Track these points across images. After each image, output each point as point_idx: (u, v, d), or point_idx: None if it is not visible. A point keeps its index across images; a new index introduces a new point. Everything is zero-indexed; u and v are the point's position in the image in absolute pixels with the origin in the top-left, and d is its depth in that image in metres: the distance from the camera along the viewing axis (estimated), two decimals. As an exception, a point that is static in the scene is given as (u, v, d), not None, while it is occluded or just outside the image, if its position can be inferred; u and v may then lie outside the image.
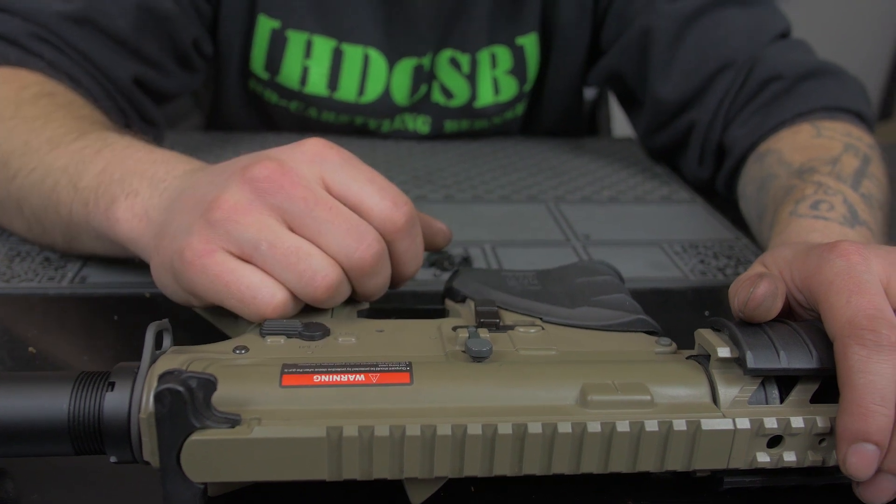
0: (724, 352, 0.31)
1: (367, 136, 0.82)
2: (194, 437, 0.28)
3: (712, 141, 0.68)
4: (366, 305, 0.39)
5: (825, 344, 0.31)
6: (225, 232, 0.35)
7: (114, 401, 0.30)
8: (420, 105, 0.81)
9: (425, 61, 0.78)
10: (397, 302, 0.44)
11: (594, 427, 0.29)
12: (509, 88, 0.81)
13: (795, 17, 0.78)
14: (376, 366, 0.31)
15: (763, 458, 0.31)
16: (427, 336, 0.35)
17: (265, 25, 0.74)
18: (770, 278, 0.33)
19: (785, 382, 0.32)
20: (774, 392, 0.31)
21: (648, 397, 0.30)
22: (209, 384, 0.28)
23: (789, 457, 0.31)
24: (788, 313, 0.35)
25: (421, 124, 0.82)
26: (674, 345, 0.35)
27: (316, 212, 0.35)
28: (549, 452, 0.30)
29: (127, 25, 0.62)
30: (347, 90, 0.77)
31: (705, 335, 0.33)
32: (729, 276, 0.55)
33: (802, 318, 0.35)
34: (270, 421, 0.28)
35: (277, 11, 0.74)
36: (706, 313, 0.50)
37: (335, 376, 0.30)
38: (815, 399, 0.31)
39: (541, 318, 0.37)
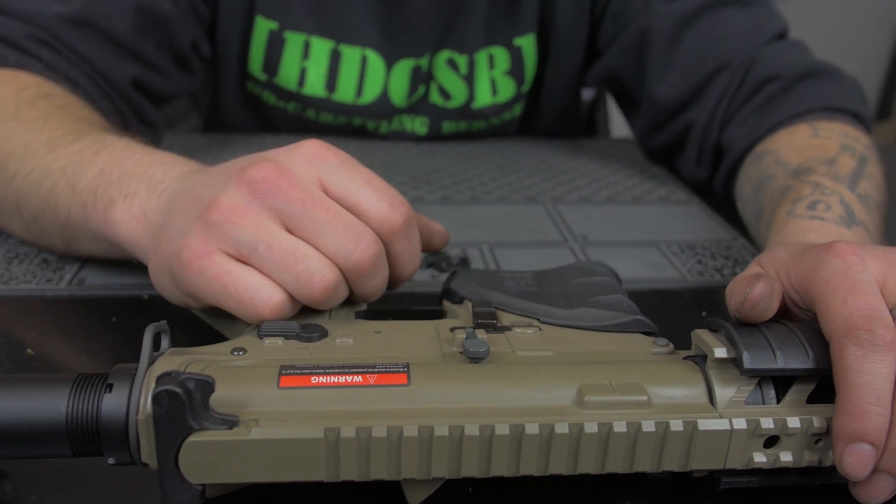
0: (720, 352, 0.31)
1: (365, 137, 0.82)
2: (192, 438, 0.28)
3: (710, 141, 0.68)
4: (363, 307, 0.39)
5: (821, 344, 0.31)
6: (223, 233, 0.35)
7: (112, 402, 0.30)
8: (418, 106, 0.81)
9: (423, 62, 0.78)
10: (395, 303, 0.44)
11: (591, 428, 0.29)
12: (507, 89, 0.81)
13: (793, 17, 0.78)
14: (374, 367, 0.31)
15: (760, 458, 0.31)
16: (424, 337, 0.35)
17: (263, 27, 0.75)
18: (766, 279, 0.33)
19: (781, 383, 0.32)
20: (771, 392, 0.31)
21: (645, 398, 0.31)
22: (207, 386, 0.28)
23: (786, 457, 0.31)
24: (785, 314, 0.35)
25: (419, 125, 0.82)
26: (671, 345, 0.35)
27: (313, 213, 0.35)
28: (546, 453, 0.30)
29: (125, 27, 0.62)
30: (345, 91, 0.77)
31: (702, 336, 0.33)
32: (726, 277, 0.55)
33: (799, 319, 0.35)
34: (268, 422, 0.28)
35: (275, 13, 0.74)
36: (704, 314, 0.50)
37: (333, 377, 0.30)
38: (812, 399, 0.31)
39: (538, 319, 0.37)
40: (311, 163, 0.37)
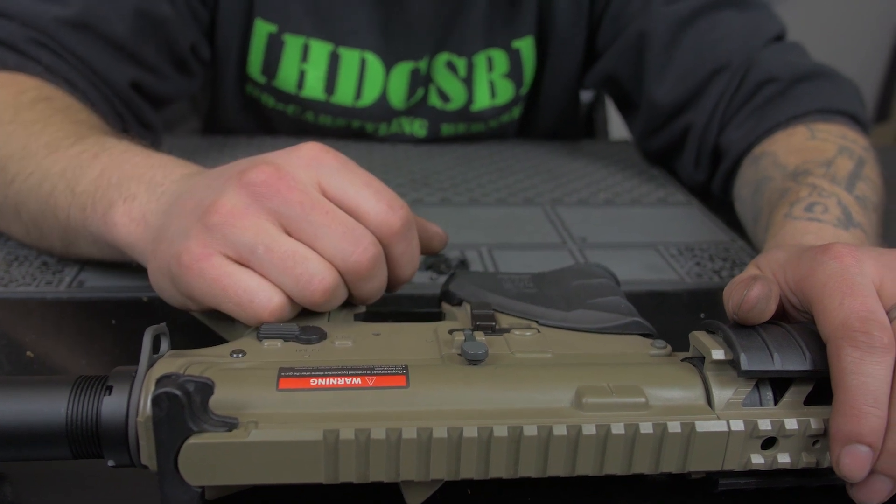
0: (718, 354, 0.32)
1: (364, 139, 0.82)
2: (192, 440, 0.28)
3: (708, 143, 0.69)
4: (362, 309, 0.39)
5: (819, 346, 0.32)
6: (222, 236, 0.35)
7: (112, 405, 0.30)
8: (417, 108, 0.81)
9: (422, 65, 0.78)
10: (394, 305, 0.44)
11: (589, 429, 0.30)
12: (506, 92, 0.81)
13: (792, 19, 0.78)
14: (373, 369, 0.31)
15: (757, 459, 0.31)
16: (423, 339, 0.35)
17: (262, 29, 0.75)
18: (763, 281, 0.33)
19: (779, 384, 0.32)
20: (768, 394, 0.32)
21: (643, 399, 0.31)
22: (206, 388, 0.28)
23: (783, 458, 0.31)
24: (782, 315, 0.36)
25: (418, 128, 0.82)
26: (668, 347, 0.35)
27: (312, 216, 0.35)
28: (544, 455, 0.30)
29: (124, 30, 0.62)
30: (344, 94, 0.77)
31: (699, 337, 0.33)
32: (724, 279, 0.55)
33: (796, 321, 0.35)
34: (267, 424, 0.29)
35: (274, 15, 0.74)
36: (702, 315, 0.50)
37: (332, 380, 0.30)
38: (809, 401, 0.32)
39: (536, 321, 0.37)
40: (311, 165, 0.37)
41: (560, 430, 0.29)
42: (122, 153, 0.46)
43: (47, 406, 0.30)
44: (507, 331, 0.36)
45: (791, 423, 0.31)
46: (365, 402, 0.30)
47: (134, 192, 0.42)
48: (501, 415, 0.30)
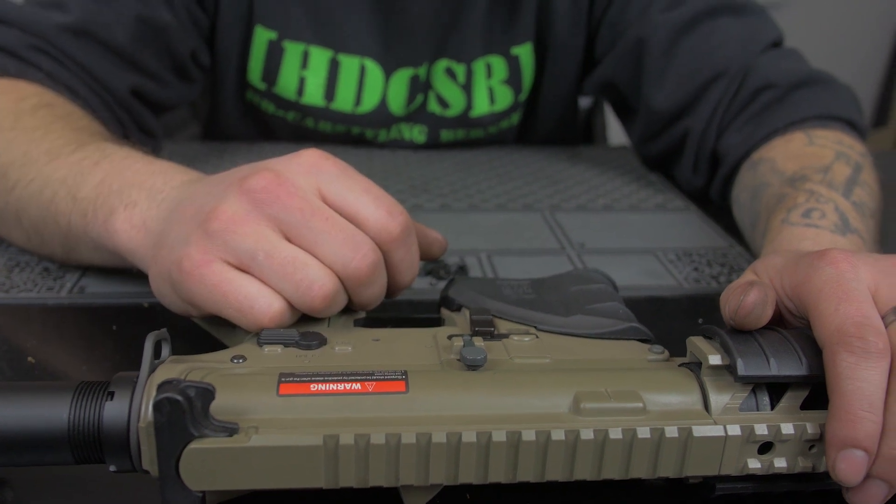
0: (715, 359, 0.32)
1: (364, 145, 0.83)
2: (193, 445, 0.28)
3: (706, 149, 0.69)
4: (362, 314, 0.39)
5: (815, 351, 0.32)
6: (223, 242, 0.35)
7: (113, 410, 0.30)
8: (416, 115, 0.82)
9: (421, 71, 0.78)
10: (393, 311, 0.44)
11: (587, 434, 0.30)
12: (505, 98, 0.82)
13: (791, 25, 0.79)
14: (372, 374, 0.31)
15: (754, 464, 0.31)
16: (423, 345, 0.35)
17: (262, 36, 0.75)
18: (760, 286, 0.33)
19: (775, 389, 0.32)
20: (765, 399, 0.32)
21: (641, 404, 0.31)
22: (207, 393, 0.28)
23: (780, 463, 0.31)
24: (779, 321, 0.36)
25: (417, 134, 0.83)
26: (666, 352, 0.35)
27: (312, 222, 0.36)
28: (542, 460, 0.30)
29: (125, 37, 0.63)
30: (344, 100, 0.78)
31: (697, 343, 0.33)
32: (722, 284, 0.55)
33: (793, 326, 0.35)
34: (268, 429, 0.29)
35: (274, 22, 0.74)
36: (700, 321, 0.50)
37: (332, 385, 0.31)
38: (806, 406, 0.32)
39: (535, 327, 0.37)
40: (311, 172, 0.37)
41: (558, 434, 0.30)
42: (123, 160, 0.46)
43: (50, 411, 0.30)
44: (506, 336, 0.36)
45: (787, 428, 0.31)
46: (365, 407, 0.30)
47: (135, 199, 0.42)
48: (500, 420, 0.30)
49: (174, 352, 0.33)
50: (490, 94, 0.81)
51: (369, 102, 0.78)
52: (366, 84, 0.77)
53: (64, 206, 0.46)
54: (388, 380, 0.31)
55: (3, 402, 0.30)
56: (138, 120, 0.66)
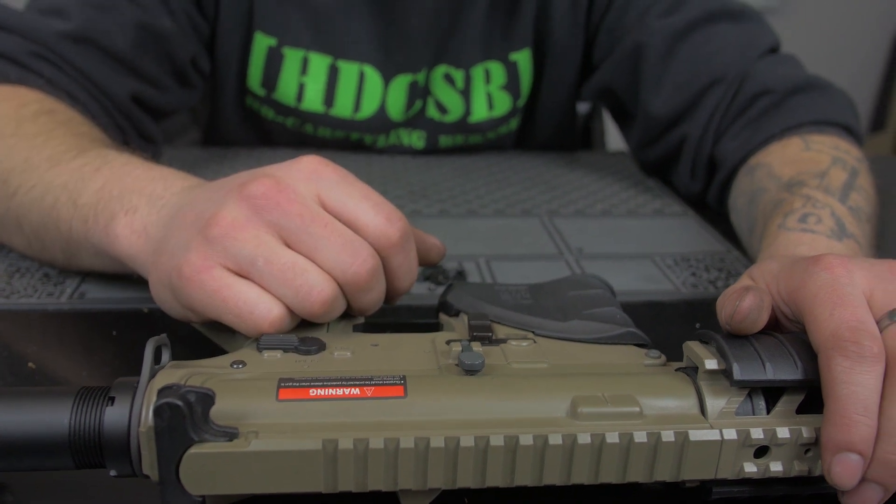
0: (711, 364, 0.32)
1: (363, 151, 0.83)
2: (193, 450, 0.28)
3: (703, 154, 0.69)
4: (361, 320, 0.39)
5: (810, 356, 0.32)
6: (223, 248, 0.35)
7: (114, 415, 0.30)
8: (415, 120, 0.82)
9: (420, 77, 0.79)
10: (392, 316, 0.44)
11: (584, 438, 0.30)
12: (503, 104, 0.82)
13: (789, 29, 0.79)
14: (371, 379, 0.31)
15: (750, 468, 0.31)
16: (421, 350, 0.35)
17: (262, 43, 0.75)
18: (756, 291, 0.34)
19: (771, 393, 0.32)
20: (761, 403, 0.32)
21: (637, 409, 0.31)
22: (207, 398, 0.28)
23: (776, 467, 0.32)
24: (775, 325, 0.36)
25: (416, 139, 0.83)
26: (663, 357, 0.36)
27: (312, 228, 0.36)
28: (540, 464, 0.30)
29: (125, 43, 0.63)
30: (343, 106, 0.78)
31: (693, 347, 0.33)
32: (720, 289, 0.56)
33: (789, 330, 0.36)
34: (267, 434, 0.29)
35: (274, 29, 0.75)
36: (697, 325, 0.51)
37: (331, 390, 0.31)
38: (801, 410, 0.32)
39: (533, 332, 0.37)
40: (310, 178, 0.38)
41: (555, 439, 0.30)
42: (124, 166, 0.46)
43: (51, 417, 0.30)
44: (504, 341, 0.36)
45: (783, 432, 0.31)
46: (363, 412, 0.30)
47: (135, 205, 0.43)
48: (498, 424, 0.30)
49: (174, 357, 0.33)
50: (488, 99, 0.81)
51: (368, 108, 0.78)
52: (365, 90, 0.78)
53: (65, 212, 0.46)
54: (386, 385, 0.31)
55: (4, 408, 0.30)
56: (138, 126, 0.66)
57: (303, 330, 0.37)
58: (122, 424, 0.30)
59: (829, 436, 0.30)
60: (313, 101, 0.78)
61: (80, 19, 0.61)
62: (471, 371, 0.32)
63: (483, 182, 0.77)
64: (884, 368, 0.30)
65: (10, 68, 0.58)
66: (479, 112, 0.81)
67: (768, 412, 0.32)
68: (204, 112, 0.88)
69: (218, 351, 0.37)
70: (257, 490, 0.29)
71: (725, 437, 0.31)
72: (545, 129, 0.88)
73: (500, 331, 0.37)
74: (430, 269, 0.56)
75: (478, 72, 0.80)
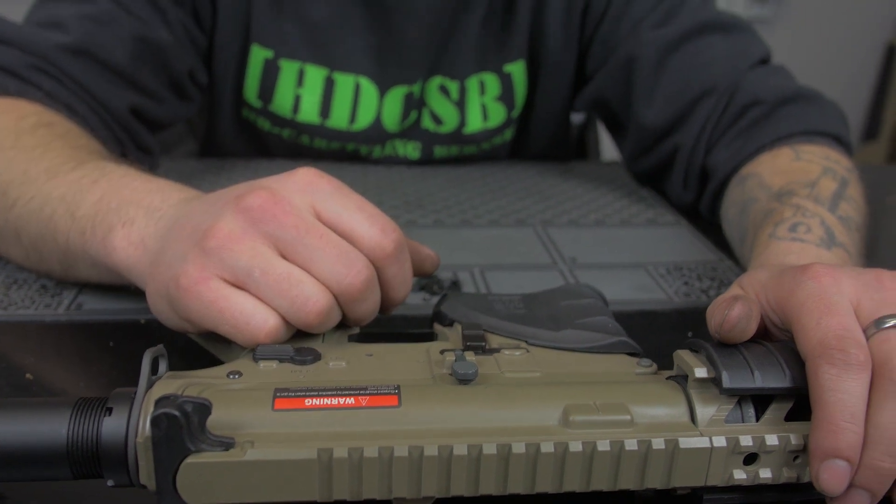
0: (700, 372, 0.32)
1: (359, 161, 0.84)
2: (190, 459, 0.28)
3: (695, 165, 0.70)
4: (356, 330, 0.40)
5: (798, 363, 0.32)
6: (219, 259, 0.36)
7: (111, 426, 0.30)
8: (410, 131, 0.83)
9: (415, 89, 0.79)
10: (387, 326, 0.45)
11: (576, 446, 0.30)
12: (498, 114, 0.83)
13: (782, 39, 0.80)
14: (365, 389, 0.32)
15: (740, 475, 0.32)
16: (415, 360, 0.36)
17: (258, 55, 0.76)
18: (744, 301, 0.34)
19: (760, 401, 0.33)
20: (750, 411, 0.32)
21: (628, 417, 0.31)
22: (204, 408, 0.29)
23: (765, 473, 0.32)
24: (764, 334, 0.36)
25: (411, 150, 0.84)
26: (654, 366, 0.36)
27: (307, 239, 0.36)
28: (532, 472, 0.31)
29: (124, 56, 0.64)
30: (339, 118, 0.79)
31: (683, 356, 0.34)
32: (712, 298, 0.56)
33: (778, 339, 0.36)
34: (263, 444, 0.29)
35: (271, 41, 0.75)
36: (689, 334, 0.51)
37: (326, 400, 0.31)
38: (790, 417, 0.32)
39: (526, 341, 0.38)
40: (305, 190, 0.38)
41: (547, 447, 0.30)
42: (121, 178, 0.47)
43: (49, 427, 0.30)
44: (497, 351, 0.36)
45: (772, 439, 0.32)
46: (358, 421, 0.31)
47: (132, 217, 0.43)
48: (491, 433, 0.31)
49: (171, 368, 0.33)
50: (483, 110, 0.82)
51: (364, 120, 0.79)
52: (360, 102, 0.78)
53: (63, 224, 0.46)
54: (381, 394, 0.32)
55: (2, 419, 0.31)
56: (136, 138, 0.67)
57: (298, 340, 0.37)
58: (119, 435, 0.30)
59: (817, 442, 0.30)
60: (309, 112, 0.78)
61: (79, 32, 0.62)
62: (464, 380, 0.33)
63: (478, 192, 0.78)
64: (870, 376, 0.31)
65: (10, 81, 0.58)
66: (474, 123, 0.82)
67: (757, 420, 0.32)
68: (201, 123, 0.88)
69: (214, 361, 0.37)
70: (253, 499, 0.30)
71: (715, 444, 0.31)
72: (539, 140, 0.88)
73: (494, 340, 0.38)
74: (425, 279, 0.57)
75: (472, 83, 0.81)
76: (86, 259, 0.46)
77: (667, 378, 0.35)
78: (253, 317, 0.35)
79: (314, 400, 0.31)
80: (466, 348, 0.36)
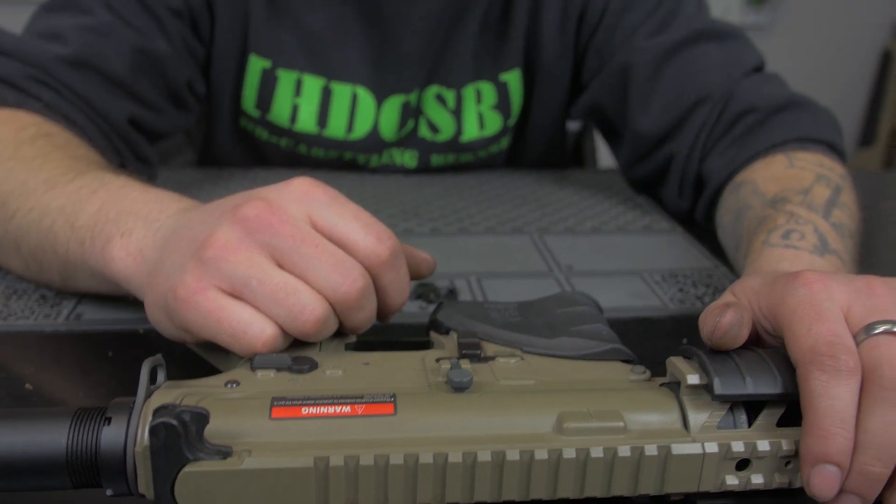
0: (693, 379, 0.33)
1: (356, 170, 0.84)
2: (188, 468, 0.29)
3: (691, 172, 0.70)
4: (353, 338, 0.40)
5: (790, 370, 0.33)
6: (217, 270, 0.36)
7: (110, 435, 0.31)
8: (407, 140, 0.83)
9: (412, 98, 0.80)
10: (384, 334, 0.45)
11: (570, 453, 0.31)
12: (494, 123, 0.83)
13: (778, 46, 0.81)
14: (362, 397, 0.32)
15: (732, 480, 0.32)
16: (411, 368, 0.36)
17: (256, 65, 0.77)
18: (736, 308, 0.34)
19: (752, 407, 0.33)
20: (742, 417, 0.33)
21: (622, 424, 0.32)
22: (202, 417, 0.29)
23: (757, 479, 0.32)
24: (757, 340, 0.37)
25: (408, 159, 0.84)
26: (648, 373, 0.36)
27: (303, 249, 0.37)
28: (526, 479, 0.31)
29: (122, 67, 0.64)
30: (336, 127, 0.79)
31: (676, 363, 0.34)
32: (707, 304, 0.56)
33: (770, 345, 0.37)
34: (260, 452, 0.30)
35: (268, 51, 0.76)
36: (684, 341, 0.51)
37: (322, 408, 0.31)
38: (781, 423, 0.33)
39: (521, 349, 0.38)
40: (301, 200, 0.38)
41: (541, 454, 0.31)
42: (120, 189, 0.47)
43: (48, 437, 0.31)
44: (492, 359, 0.37)
45: (763, 445, 0.32)
46: (354, 429, 0.31)
47: (131, 227, 0.43)
48: (485, 440, 0.31)
49: (169, 377, 0.34)
50: (479, 119, 0.82)
51: (361, 129, 0.80)
52: (358, 111, 0.79)
53: (62, 235, 0.47)
54: (377, 402, 0.32)
55: (2, 429, 0.31)
56: (135, 148, 0.67)
57: (296, 349, 0.37)
58: (118, 444, 0.31)
59: (808, 448, 0.31)
60: (307, 122, 0.79)
61: (78, 44, 0.62)
62: (459, 388, 0.33)
63: (474, 200, 0.78)
64: (860, 382, 0.31)
65: (9, 92, 0.59)
66: (471, 131, 0.83)
67: (749, 426, 0.33)
68: (199, 133, 0.89)
69: (212, 371, 0.38)
70: (251, 507, 0.30)
71: (707, 450, 0.32)
72: (535, 148, 0.89)
73: (489, 348, 0.38)
74: (422, 287, 0.57)
75: (469, 92, 0.81)
76: (85, 269, 0.47)
77: (660, 385, 0.35)
78: (250, 326, 0.36)
79: (311, 408, 0.31)
80: (462, 356, 0.37)
